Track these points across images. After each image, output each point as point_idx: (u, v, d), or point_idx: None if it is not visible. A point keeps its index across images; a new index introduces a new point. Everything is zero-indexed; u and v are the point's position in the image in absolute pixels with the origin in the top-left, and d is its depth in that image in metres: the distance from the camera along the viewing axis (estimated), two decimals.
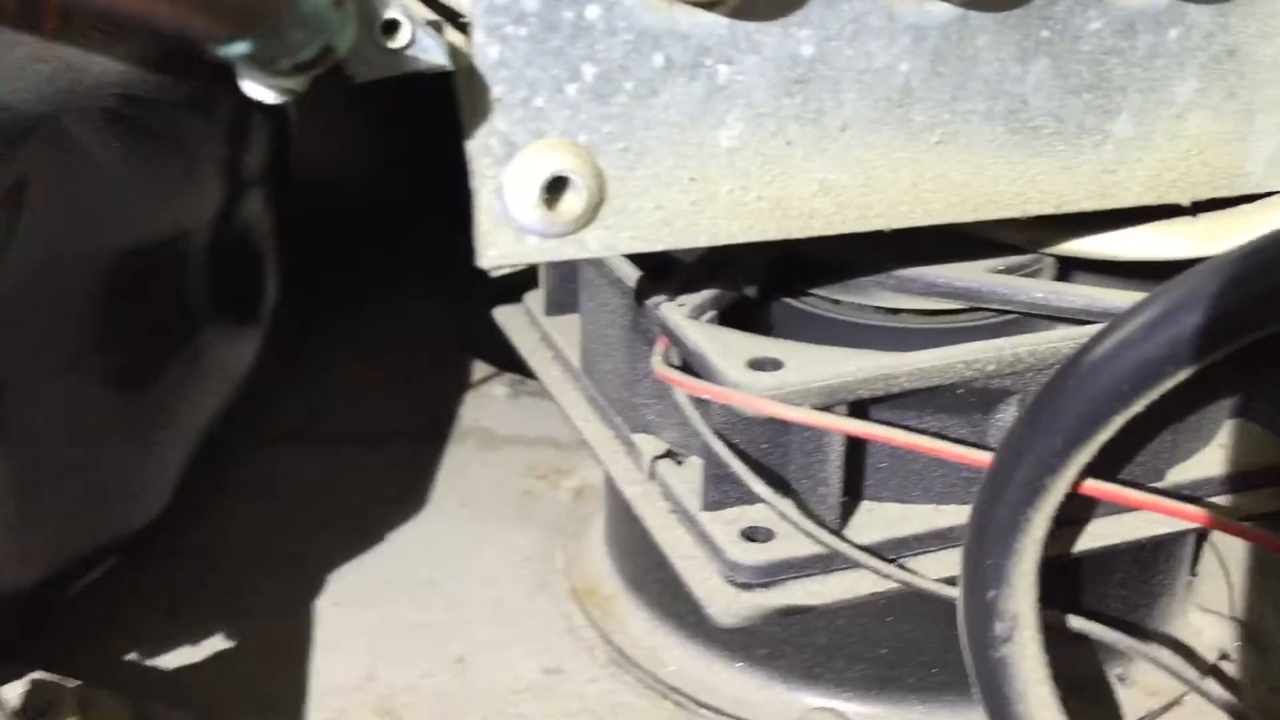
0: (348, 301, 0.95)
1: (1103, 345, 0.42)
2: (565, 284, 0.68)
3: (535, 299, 0.71)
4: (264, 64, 0.35)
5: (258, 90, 0.42)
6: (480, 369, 0.90)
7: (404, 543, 0.72)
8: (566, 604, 0.67)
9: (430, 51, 0.40)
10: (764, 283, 0.58)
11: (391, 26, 0.45)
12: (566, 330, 0.68)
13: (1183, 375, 0.41)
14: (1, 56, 0.47)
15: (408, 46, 0.60)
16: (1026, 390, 0.51)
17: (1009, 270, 0.58)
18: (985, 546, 0.46)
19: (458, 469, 0.79)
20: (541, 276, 0.70)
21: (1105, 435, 0.43)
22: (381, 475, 0.78)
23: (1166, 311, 0.40)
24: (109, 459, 0.63)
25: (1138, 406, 0.42)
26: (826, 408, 0.49)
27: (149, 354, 0.64)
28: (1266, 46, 0.49)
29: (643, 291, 0.56)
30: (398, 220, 0.90)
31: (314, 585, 0.68)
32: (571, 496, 0.76)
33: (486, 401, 0.86)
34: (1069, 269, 0.60)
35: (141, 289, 0.61)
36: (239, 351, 0.72)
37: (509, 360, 0.74)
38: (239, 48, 0.30)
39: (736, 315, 0.57)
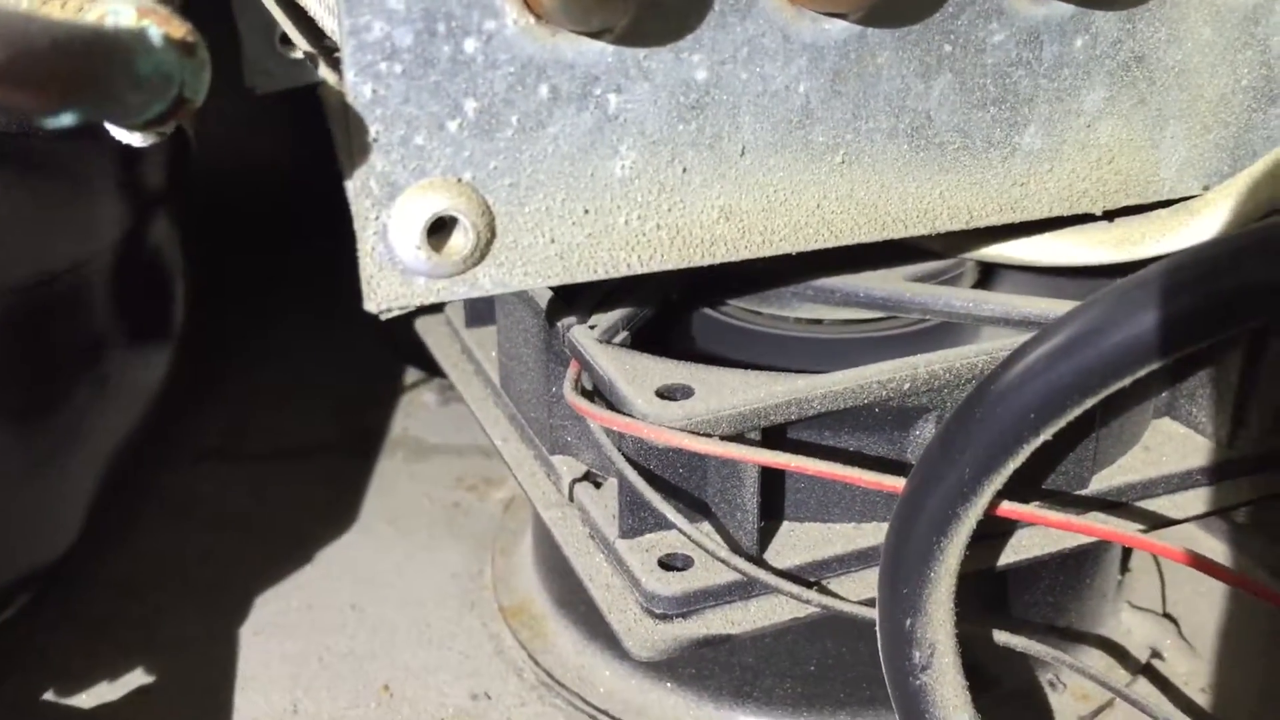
0: (269, 308, 0.92)
1: (1007, 375, 0.40)
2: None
3: (456, 309, 0.69)
4: (111, 121, 0.34)
5: (122, 135, 0.40)
6: (411, 374, 0.88)
7: (330, 564, 0.70)
8: (495, 623, 0.65)
9: None
10: (682, 295, 0.57)
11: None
12: (487, 343, 0.66)
13: (1089, 403, 0.40)
14: None
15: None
16: (944, 407, 0.50)
17: (930, 276, 0.57)
18: (900, 575, 0.45)
19: (386, 482, 0.77)
20: None
21: (1015, 463, 0.42)
22: (307, 492, 0.76)
23: (1069, 341, 0.39)
24: (12, 494, 0.61)
25: (1046, 434, 0.41)
26: (739, 434, 0.48)
27: (51, 384, 0.62)
28: (1175, 51, 0.47)
29: (554, 312, 0.54)
30: (317, 220, 0.88)
31: (236, 613, 0.66)
32: (501, 508, 0.74)
33: (416, 409, 0.85)
34: (994, 269, 0.59)
35: (38, 322, 0.59)
36: (149, 370, 0.70)
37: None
38: (64, 119, 0.28)
39: (657, 327, 0.56)
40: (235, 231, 0.86)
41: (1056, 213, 0.49)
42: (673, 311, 0.57)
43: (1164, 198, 0.51)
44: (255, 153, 0.91)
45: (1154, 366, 0.38)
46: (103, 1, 0.38)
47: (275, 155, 0.92)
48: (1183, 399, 0.57)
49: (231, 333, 0.89)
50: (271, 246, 0.92)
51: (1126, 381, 0.39)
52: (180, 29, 0.34)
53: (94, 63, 0.28)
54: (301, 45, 0.45)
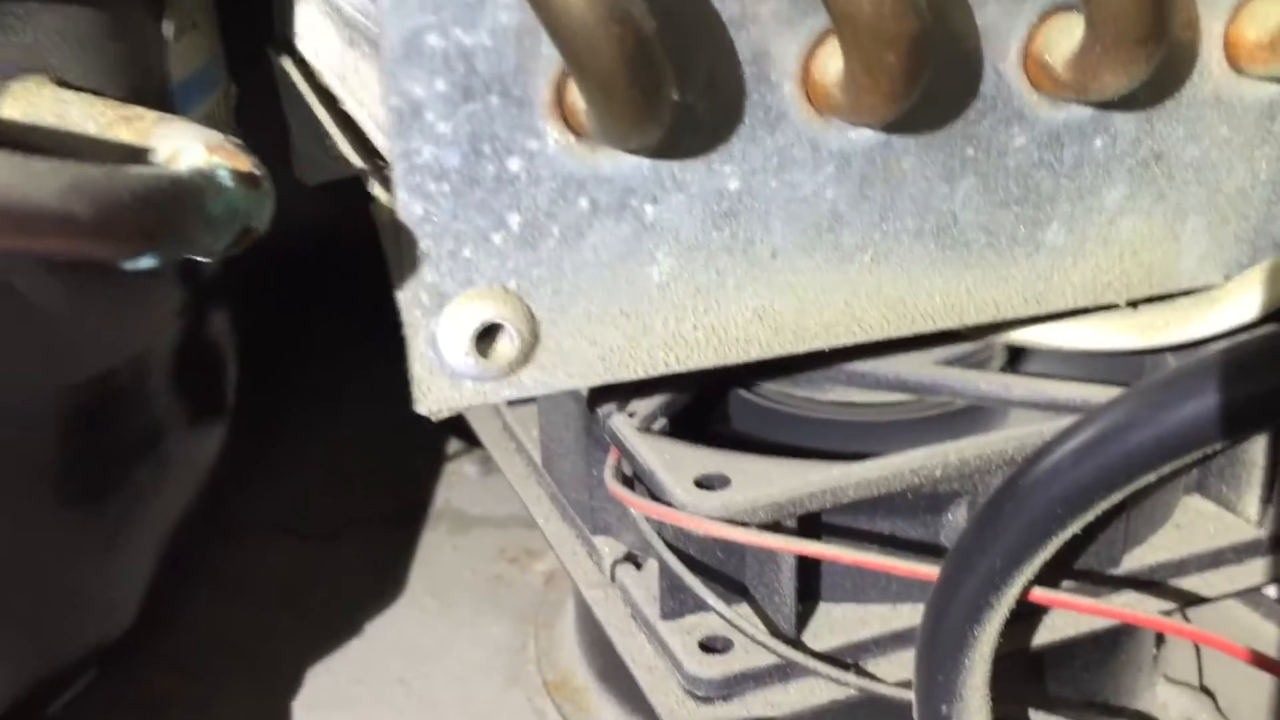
0: (311, 378, 0.95)
1: (1035, 470, 0.42)
2: None
3: None
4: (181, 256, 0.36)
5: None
6: (452, 444, 0.90)
7: (376, 638, 0.72)
8: (539, 698, 0.67)
9: None
10: (717, 378, 0.59)
11: None
12: (528, 420, 0.68)
13: (1116, 498, 0.41)
14: None
15: None
16: (975, 492, 0.51)
17: (959, 359, 0.58)
18: (935, 662, 0.46)
19: (430, 555, 0.79)
20: None
21: (1047, 554, 0.43)
22: (354, 566, 0.78)
23: (1096, 439, 0.40)
24: (78, 574, 0.64)
25: (1076, 527, 0.42)
26: (776, 522, 0.49)
27: (110, 469, 0.64)
28: (1193, 148, 0.49)
29: (594, 399, 0.56)
30: (359, 287, 0.90)
31: (287, 688, 0.68)
32: (543, 580, 0.76)
33: (457, 480, 0.86)
34: (1022, 349, 0.60)
35: (99, 412, 0.61)
36: (205, 446, 0.73)
37: None
38: (143, 262, 0.30)
39: (693, 408, 0.57)
40: (283, 295, 0.88)
41: (1081, 304, 0.51)
42: (708, 393, 0.59)
43: (1186, 288, 0.52)
44: (306, 215, 0.92)
45: (1180, 464, 0.40)
46: (168, 130, 0.41)
47: (327, 217, 0.94)
48: (1212, 476, 0.58)
49: (281, 404, 0.91)
50: (317, 311, 0.94)
51: (1151, 478, 0.40)
52: (246, 163, 0.36)
53: (172, 211, 0.31)
54: (353, 161, 0.47)
